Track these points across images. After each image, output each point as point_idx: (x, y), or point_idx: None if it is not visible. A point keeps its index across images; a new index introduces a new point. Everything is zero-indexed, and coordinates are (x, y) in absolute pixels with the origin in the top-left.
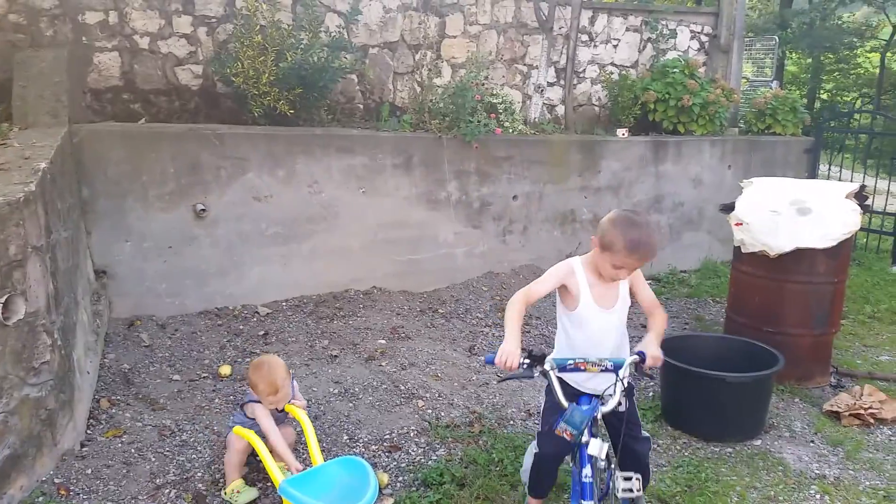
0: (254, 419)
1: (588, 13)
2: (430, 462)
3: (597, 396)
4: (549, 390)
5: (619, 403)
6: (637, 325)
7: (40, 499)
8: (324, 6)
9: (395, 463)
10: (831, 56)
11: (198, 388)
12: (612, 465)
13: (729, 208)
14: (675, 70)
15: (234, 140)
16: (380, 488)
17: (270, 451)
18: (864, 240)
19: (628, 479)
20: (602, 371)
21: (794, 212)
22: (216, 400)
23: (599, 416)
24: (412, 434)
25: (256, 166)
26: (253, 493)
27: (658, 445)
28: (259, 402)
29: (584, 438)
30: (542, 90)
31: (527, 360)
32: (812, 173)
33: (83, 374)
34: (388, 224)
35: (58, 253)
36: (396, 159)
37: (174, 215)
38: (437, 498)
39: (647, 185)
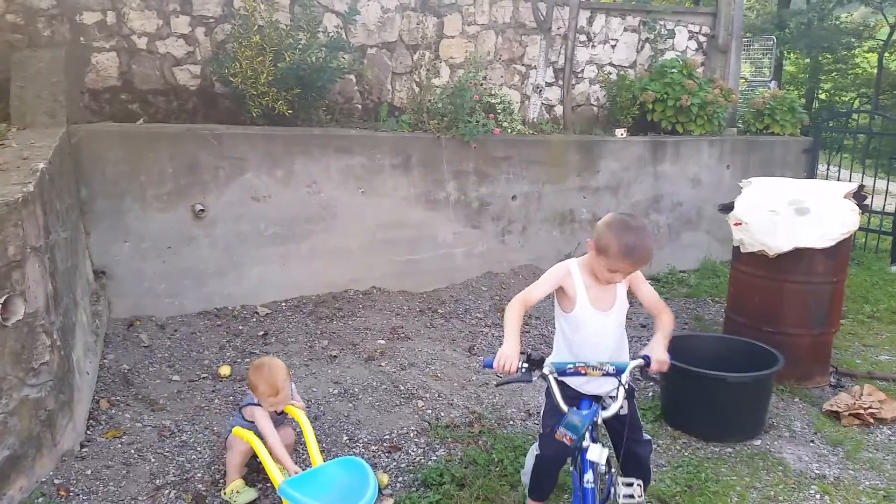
0: (252, 422)
1: (586, 13)
2: (429, 462)
3: (597, 400)
4: (549, 393)
5: (621, 407)
6: (636, 325)
7: (40, 500)
8: (322, 6)
9: (394, 463)
10: (829, 56)
11: (197, 388)
12: (613, 470)
13: (728, 208)
14: (673, 70)
15: (233, 140)
16: (379, 489)
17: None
18: (863, 239)
19: (629, 484)
20: (603, 375)
21: (793, 212)
22: (216, 400)
23: (600, 421)
24: (412, 434)
25: (255, 166)
26: (252, 493)
27: (658, 445)
28: (257, 404)
29: (585, 443)
30: (540, 90)
31: (525, 364)
32: (811, 173)
33: (82, 374)
34: (386, 224)
35: (57, 253)
36: (395, 159)
37: (173, 215)
38: (437, 498)
39: (645, 185)
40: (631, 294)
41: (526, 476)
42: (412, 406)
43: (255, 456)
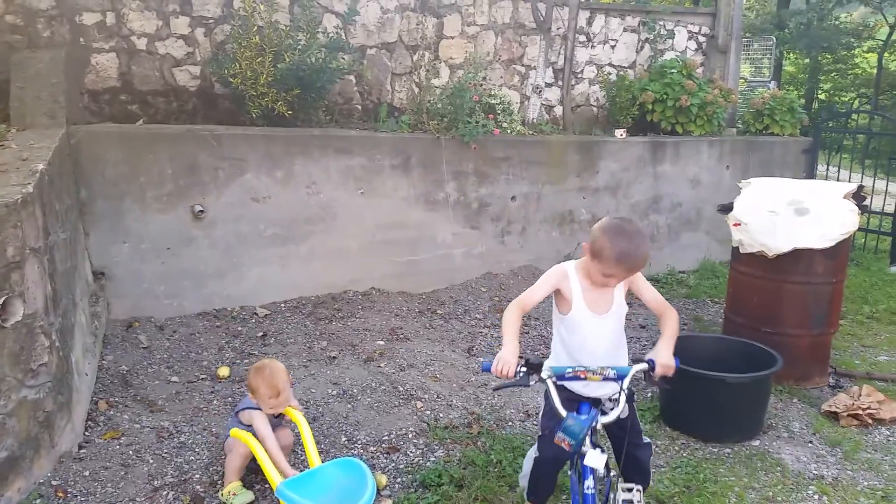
0: (250, 425)
1: (586, 14)
2: (428, 463)
3: (596, 403)
4: (548, 396)
5: (622, 412)
6: (635, 325)
7: (38, 501)
8: (321, 7)
9: (393, 464)
10: (829, 56)
11: (196, 389)
12: (612, 474)
13: (727, 209)
14: (672, 70)
15: (232, 141)
16: (378, 490)
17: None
18: (863, 240)
19: (629, 490)
20: (604, 380)
21: (793, 212)
22: (214, 401)
23: (599, 426)
24: (410, 435)
25: (254, 167)
26: (249, 496)
27: (656, 446)
28: (254, 408)
29: (584, 448)
30: (540, 91)
31: (523, 369)
32: (810, 173)
33: (81, 375)
34: (386, 225)
35: (56, 254)
36: (395, 160)
37: (172, 216)
38: (436, 499)
39: (645, 185)
40: (632, 295)
41: (524, 479)
42: (411, 407)
43: (253, 458)
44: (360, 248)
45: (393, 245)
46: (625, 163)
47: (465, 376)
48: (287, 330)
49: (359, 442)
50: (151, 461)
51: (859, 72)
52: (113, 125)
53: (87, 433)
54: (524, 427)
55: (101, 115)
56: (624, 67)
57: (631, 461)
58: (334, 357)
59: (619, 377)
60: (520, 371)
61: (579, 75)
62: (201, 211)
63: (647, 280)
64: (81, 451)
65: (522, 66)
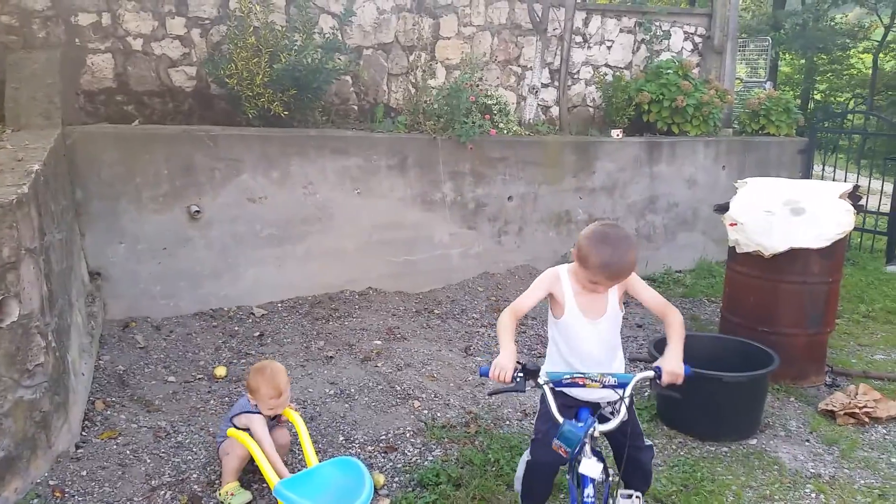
0: (247, 428)
1: (582, 14)
2: (426, 462)
3: (595, 408)
4: (544, 399)
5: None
6: (632, 324)
7: (35, 501)
8: (317, 7)
9: (390, 463)
10: (824, 57)
11: (193, 389)
12: (610, 479)
13: (723, 209)
14: (668, 71)
15: (228, 141)
16: (376, 489)
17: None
18: (859, 239)
19: (628, 496)
20: (603, 388)
21: (789, 212)
22: (211, 401)
23: (597, 434)
24: (408, 435)
25: (251, 168)
26: (247, 496)
27: (654, 445)
28: (251, 412)
29: (581, 456)
30: (536, 91)
31: (520, 374)
32: (806, 174)
33: (78, 375)
34: (383, 225)
35: (52, 255)
36: (391, 160)
37: (168, 217)
38: (433, 498)
39: (641, 185)
40: (629, 296)
41: (518, 481)
42: (408, 406)
43: (251, 459)
44: (357, 248)
45: (390, 245)
46: (621, 163)
47: (463, 376)
48: (284, 330)
49: (356, 441)
50: (149, 461)
51: (855, 72)
52: (108, 126)
53: (84, 433)
54: (521, 426)
55: (97, 116)
56: (620, 68)
57: (632, 463)
58: (331, 357)
59: (621, 385)
60: (517, 376)
61: (576, 76)
62: (197, 211)
63: (644, 280)
64: (78, 451)
65: (519, 66)
